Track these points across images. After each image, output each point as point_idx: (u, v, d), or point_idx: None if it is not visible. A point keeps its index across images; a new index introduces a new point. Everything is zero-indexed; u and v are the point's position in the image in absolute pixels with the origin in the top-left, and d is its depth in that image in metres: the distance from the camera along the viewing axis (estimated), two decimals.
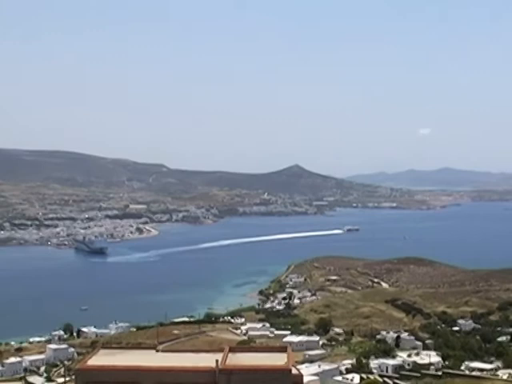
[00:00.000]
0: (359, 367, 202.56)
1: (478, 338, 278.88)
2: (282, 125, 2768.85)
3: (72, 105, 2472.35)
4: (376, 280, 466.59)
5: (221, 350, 60.36)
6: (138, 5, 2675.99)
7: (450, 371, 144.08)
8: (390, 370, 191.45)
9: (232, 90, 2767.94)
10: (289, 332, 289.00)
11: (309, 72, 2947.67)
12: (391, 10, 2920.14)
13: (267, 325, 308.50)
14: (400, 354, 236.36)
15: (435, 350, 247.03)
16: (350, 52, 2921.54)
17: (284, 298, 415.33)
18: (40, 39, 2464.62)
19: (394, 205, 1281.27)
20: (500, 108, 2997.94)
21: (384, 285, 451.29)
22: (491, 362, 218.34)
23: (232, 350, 60.96)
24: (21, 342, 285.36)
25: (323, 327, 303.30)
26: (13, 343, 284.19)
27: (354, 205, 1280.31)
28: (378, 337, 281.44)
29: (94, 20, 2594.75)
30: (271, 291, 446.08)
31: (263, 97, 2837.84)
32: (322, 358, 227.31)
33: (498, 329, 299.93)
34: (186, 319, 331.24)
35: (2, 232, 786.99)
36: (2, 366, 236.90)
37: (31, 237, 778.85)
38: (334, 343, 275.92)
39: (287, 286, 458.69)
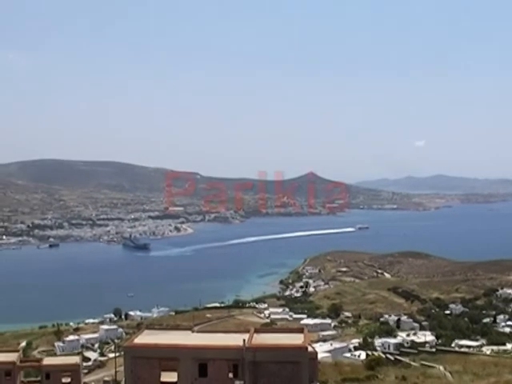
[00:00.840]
0: (365, 345, 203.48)
1: (466, 319, 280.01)
2: (299, 139, 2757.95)
3: (121, 123, 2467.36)
4: (380, 271, 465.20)
5: (247, 331, 60.67)
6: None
7: (443, 348, 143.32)
8: (391, 347, 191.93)
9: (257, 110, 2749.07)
10: (305, 316, 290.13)
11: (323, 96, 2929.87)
12: (388, 32, 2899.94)
13: (287, 309, 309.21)
14: (400, 333, 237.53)
15: (430, 330, 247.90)
16: (360, 72, 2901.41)
17: (301, 287, 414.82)
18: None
19: (395, 206, 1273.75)
20: (485, 123, 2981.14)
21: (387, 275, 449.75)
22: (477, 340, 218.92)
23: (257, 330, 61.31)
24: (78, 323, 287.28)
25: (335, 311, 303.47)
26: (71, 324, 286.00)
27: (361, 207, 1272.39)
28: (382, 319, 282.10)
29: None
30: (290, 281, 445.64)
31: (285, 113, 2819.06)
32: (333, 338, 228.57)
33: (483, 312, 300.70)
34: (217, 305, 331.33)
35: (62, 230, 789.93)
36: (63, 342, 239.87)
37: (86, 234, 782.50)
38: (343, 325, 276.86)
39: (304, 276, 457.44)
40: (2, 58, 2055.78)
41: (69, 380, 70.36)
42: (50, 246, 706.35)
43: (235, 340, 56.70)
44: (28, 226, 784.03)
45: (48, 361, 74.79)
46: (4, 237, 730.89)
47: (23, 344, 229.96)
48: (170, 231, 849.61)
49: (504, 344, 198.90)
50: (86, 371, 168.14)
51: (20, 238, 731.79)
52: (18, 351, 75.12)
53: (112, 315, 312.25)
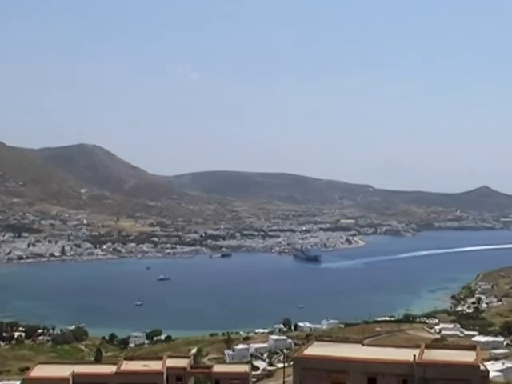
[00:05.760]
0: None
1: None
2: (475, 153, 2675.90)
3: (297, 135, 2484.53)
4: None
5: (417, 347, 59.51)
6: None
7: None
8: None
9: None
10: (477, 332, 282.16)
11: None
12: None
13: (458, 325, 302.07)
14: None
15: None
16: None
17: (473, 303, 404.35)
18: None
19: None
20: None
21: None
22: None
23: (427, 346, 60.10)
24: (248, 332, 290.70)
25: (508, 329, 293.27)
26: (241, 333, 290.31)
27: None
28: None
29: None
30: (462, 296, 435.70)
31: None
32: (505, 357, 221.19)
33: None
34: (387, 318, 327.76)
35: (234, 240, 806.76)
36: (233, 351, 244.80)
37: (257, 245, 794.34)
38: None
39: (476, 292, 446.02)
40: (177, 73, 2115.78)
41: None
42: (222, 255, 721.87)
43: (405, 355, 55.75)
44: (201, 236, 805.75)
45: (218, 368, 76.08)
46: (178, 246, 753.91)
47: (194, 351, 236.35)
48: (341, 243, 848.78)
49: None
50: (254, 380, 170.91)
51: (193, 248, 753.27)
52: (188, 357, 77.05)
53: (281, 325, 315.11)
